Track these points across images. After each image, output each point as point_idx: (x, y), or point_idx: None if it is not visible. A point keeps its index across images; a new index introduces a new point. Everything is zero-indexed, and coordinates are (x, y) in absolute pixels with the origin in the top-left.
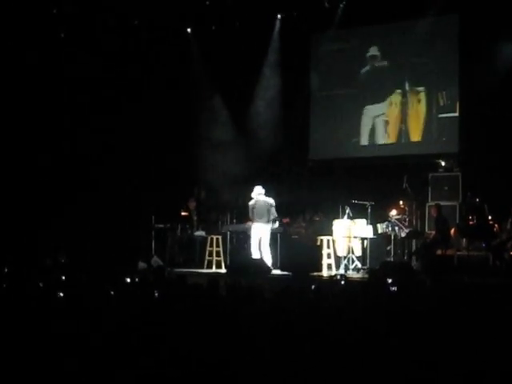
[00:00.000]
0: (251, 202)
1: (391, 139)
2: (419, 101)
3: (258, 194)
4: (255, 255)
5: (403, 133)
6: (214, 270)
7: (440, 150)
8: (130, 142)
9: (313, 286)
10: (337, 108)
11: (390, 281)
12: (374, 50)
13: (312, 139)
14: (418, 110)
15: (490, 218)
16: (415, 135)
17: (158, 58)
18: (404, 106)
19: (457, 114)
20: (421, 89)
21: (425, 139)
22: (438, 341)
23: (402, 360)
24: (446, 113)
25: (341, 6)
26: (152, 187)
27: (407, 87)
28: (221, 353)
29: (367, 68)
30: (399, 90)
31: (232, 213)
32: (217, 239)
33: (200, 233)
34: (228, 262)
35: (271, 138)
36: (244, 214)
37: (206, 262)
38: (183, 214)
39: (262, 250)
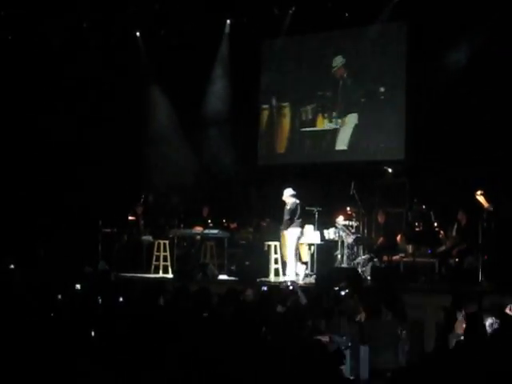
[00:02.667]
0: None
1: (339, 146)
2: (371, 109)
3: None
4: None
5: (352, 139)
6: (160, 274)
7: (387, 157)
8: (77, 145)
9: (264, 288)
10: (287, 115)
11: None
12: (337, 60)
13: (260, 144)
14: (370, 118)
15: (435, 224)
16: (365, 142)
17: (106, 60)
18: (356, 112)
19: (403, 121)
20: (376, 97)
21: (373, 146)
22: None
23: None
24: (394, 120)
25: (290, 12)
26: (99, 191)
27: (363, 96)
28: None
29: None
30: (354, 98)
31: (180, 217)
32: (164, 244)
33: (147, 237)
34: (175, 267)
35: (220, 142)
36: (192, 219)
37: (152, 267)
38: (130, 218)
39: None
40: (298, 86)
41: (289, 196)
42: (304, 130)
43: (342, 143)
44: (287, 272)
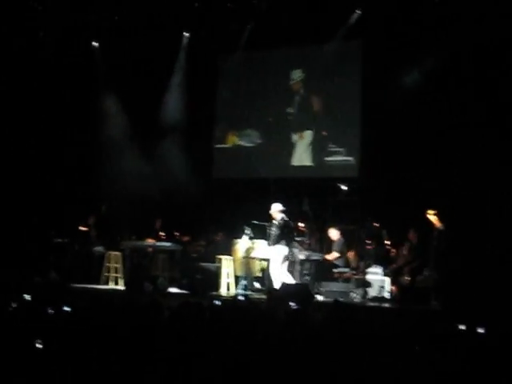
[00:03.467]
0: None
1: (294, 162)
2: (326, 125)
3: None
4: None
5: (306, 155)
6: (111, 286)
7: (341, 174)
8: (29, 153)
9: (216, 302)
10: (240, 128)
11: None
12: (296, 74)
13: (216, 158)
14: (325, 134)
15: (387, 243)
16: (320, 159)
17: (62, 70)
18: (311, 128)
19: (358, 139)
20: (331, 113)
21: (328, 163)
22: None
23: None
24: (348, 138)
25: (248, 27)
26: (51, 201)
27: (319, 113)
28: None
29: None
30: (310, 114)
31: (132, 229)
32: (115, 255)
33: (99, 248)
34: (126, 279)
35: (175, 154)
36: (144, 231)
37: (103, 278)
38: (82, 228)
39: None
40: (254, 100)
41: (277, 211)
42: (257, 144)
43: (297, 159)
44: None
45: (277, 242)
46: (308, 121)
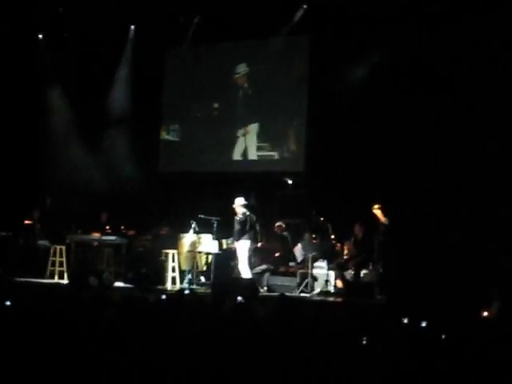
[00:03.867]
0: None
1: (239, 156)
2: (272, 120)
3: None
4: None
5: (252, 150)
6: (56, 280)
7: (287, 169)
8: None
9: (162, 296)
10: (187, 122)
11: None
12: (241, 68)
13: (162, 152)
14: (271, 128)
15: (333, 237)
16: (265, 153)
17: (8, 63)
18: (256, 122)
19: (304, 134)
20: (277, 108)
21: (273, 158)
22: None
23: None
24: (294, 133)
25: (195, 21)
26: None
27: (265, 107)
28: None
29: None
30: (255, 108)
31: (77, 223)
32: (60, 249)
33: (44, 242)
34: (71, 273)
35: (120, 147)
36: (89, 225)
37: (48, 272)
38: (26, 222)
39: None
40: (200, 93)
41: (240, 206)
42: (202, 138)
43: (242, 153)
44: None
45: (240, 237)
46: (253, 115)
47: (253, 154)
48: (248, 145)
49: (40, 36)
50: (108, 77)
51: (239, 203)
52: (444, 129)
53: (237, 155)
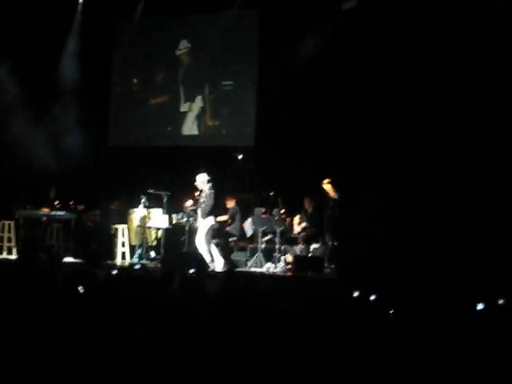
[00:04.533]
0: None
1: (191, 131)
2: (221, 95)
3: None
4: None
5: (201, 124)
6: (4, 256)
7: (237, 143)
8: None
9: (114, 272)
10: (138, 97)
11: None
12: (183, 44)
13: (112, 125)
14: (220, 102)
15: (282, 211)
16: (209, 128)
17: None
18: (206, 98)
19: (254, 108)
20: (226, 83)
21: (223, 132)
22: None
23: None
24: (243, 107)
25: None
26: None
27: (211, 82)
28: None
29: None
30: (205, 85)
31: (26, 198)
32: (9, 224)
33: None
34: (19, 249)
35: (69, 121)
36: (38, 200)
37: None
38: None
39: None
40: (146, 68)
41: (203, 182)
42: (153, 112)
43: (190, 128)
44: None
45: (207, 214)
46: (200, 89)
47: (201, 129)
48: (192, 120)
49: None
50: (56, 51)
51: (203, 180)
52: (392, 101)
53: (185, 130)
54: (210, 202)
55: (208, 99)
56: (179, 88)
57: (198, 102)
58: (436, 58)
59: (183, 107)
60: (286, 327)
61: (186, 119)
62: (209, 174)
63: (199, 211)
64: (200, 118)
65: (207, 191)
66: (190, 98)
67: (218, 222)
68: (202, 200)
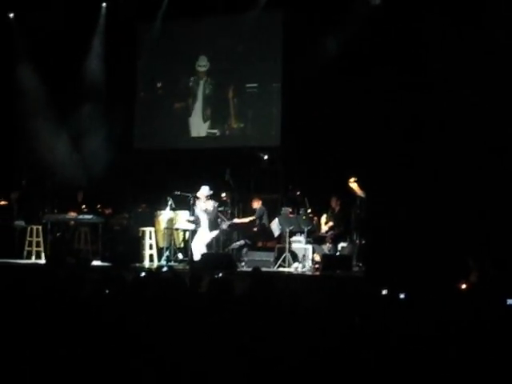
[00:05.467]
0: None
1: (216, 133)
2: (245, 97)
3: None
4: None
5: (227, 125)
6: (33, 260)
7: (262, 144)
8: None
9: (141, 274)
10: (161, 100)
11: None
12: (202, 60)
13: (136, 129)
14: (244, 104)
15: (309, 211)
16: (234, 130)
17: None
18: (231, 101)
19: (279, 108)
20: (250, 85)
21: (248, 133)
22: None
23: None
24: (269, 108)
25: None
26: None
27: (235, 85)
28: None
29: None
30: (229, 89)
31: (53, 202)
32: (37, 229)
33: (20, 222)
34: (48, 253)
35: (95, 125)
36: (66, 204)
37: (25, 253)
38: (2, 202)
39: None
40: (169, 71)
41: (206, 196)
42: (178, 115)
43: (215, 130)
44: None
45: (213, 228)
46: (227, 91)
47: (226, 131)
48: (221, 122)
49: (11, 15)
50: (80, 55)
51: (205, 193)
52: (420, 100)
53: (210, 132)
54: (213, 218)
55: (232, 102)
56: (203, 91)
57: (223, 105)
58: (463, 54)
59: (207, 110)
60: (313, 326)
61: (211, 122)
62: (233, 175)
63: (206, 222)
64: (225, 120)
65: (211, 206)
66: (214, 101)
67: (245, 222)
68: (205, 215)
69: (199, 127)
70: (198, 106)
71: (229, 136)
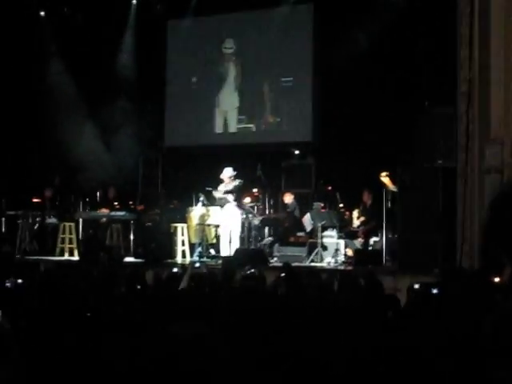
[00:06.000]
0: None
1: (250, 128)
2: (280, 91)
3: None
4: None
5: (258, 122)
6: (66, 257)
7: (294, 139)
8: None
9: (175, 270)
10: (192, 96)
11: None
12: (229, 43)
13: (167, 126)
14: (274, 99)
15: (341, 205)
16: (270, 124)
17: (10, 42)
18: (268, 97)
19: (310, 103)
20: (285, 79)
21: (279, 128)
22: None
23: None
24: (301, 102)
25: None
26: (4, 172)
27: (264, 77)
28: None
29: (223, 58)
30: (263, 83)
31: (85, 200)
32: (69, 226)
33: (52, 220)
34: (81, 250)
35: (126, 121)
36: (97, 201)
37: (58, 250)
38: (35, 200)
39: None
40: (201, 66)
41: (229, 177)
42: (210, 110)
43: (250, 125)
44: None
45: (240, 207)
46: (258, 84)
47: (261, 125)
48: (256, 116)
49: (42, 13)
50: (111, 51)
51: (229, 174)
52: (451, 91)
53: (244, 127)
54: (235, 197)
55: (268, 96)
56: (237, 86)
57: (258, 99)
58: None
59: (243, 105)
60: (346, 322)
61: (246, 117)
62: (266, 170)
63: (232, 204)
64: (260, 115)
65: (235, 187)
66: (250, 96)
67: (277, 217)
68: (230, 194)
69: (231, 122)
70: (232, 101)
71: (263, 131)
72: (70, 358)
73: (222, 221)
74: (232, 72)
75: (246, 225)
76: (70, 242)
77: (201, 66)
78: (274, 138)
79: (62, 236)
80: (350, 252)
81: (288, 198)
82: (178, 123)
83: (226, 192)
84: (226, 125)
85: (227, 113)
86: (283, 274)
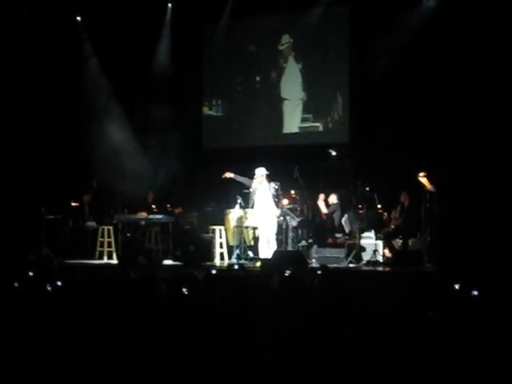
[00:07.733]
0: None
1: (289, 130)
2: (317, 93)
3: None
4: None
5: (295, 123)
6: (105, 260)
7: (331, 140)
8: (19, 131)
9: (213, 271)
10: (230, 97)
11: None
12: (285, 39)
13: (205, 128)
14: (317, 101)
15: (379, 206)
16: (312, 126)
17: (47, 48)
18: (300, 95)
19: (347, 104)
20: (321, 80)
21: (320, 130)
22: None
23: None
24: (338, 103)
25: None
26: (43, 177)
27: (308, 79)
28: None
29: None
30: (298, 81)
31: (124, 203)
32: (108, 230)
33: (91, 223)
34: (119, 253)
35: (163, 124)
36: (136, 204)
37: (97, 253)
38: (74, 204)
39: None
40: (241, 69)
41: (262, 175)
42: (247, 111)
43: (286, 126)
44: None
45: (273, 207)
46: (295, 87)
47: (296, 127)
48: (292, 117)
49: (78, 18)
50: (147, 55)
51: (262, 173)
52: (491, 94)
53: (280, 128)
54: (271, 197)
55: (306, 98)
56: (276, 85)
57: (296, 99)
58: None
59: (280, 105)
60: (385, 323)
61: (284, 118)
62: (303, 172)
63: (272, 203)
64: (296, 115)
65: (269, 187)
66: (288, 95)
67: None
68: (266, 195)
69: (272, 124)
70: (271, 103)
71: (301, 132)
72: (107, 357)
73: (259, 223)
74: (274, 76)
75: (284, 226)
76: (109, 246)
77: (240, 69)
78: (312, 139)
79: (100, 239)
80: (388, 253)
81: (332, 198)
82: (216, 125)
83: (264, 195)
84: (264, 127)
85: (267, 116)
86: (319, 272)
